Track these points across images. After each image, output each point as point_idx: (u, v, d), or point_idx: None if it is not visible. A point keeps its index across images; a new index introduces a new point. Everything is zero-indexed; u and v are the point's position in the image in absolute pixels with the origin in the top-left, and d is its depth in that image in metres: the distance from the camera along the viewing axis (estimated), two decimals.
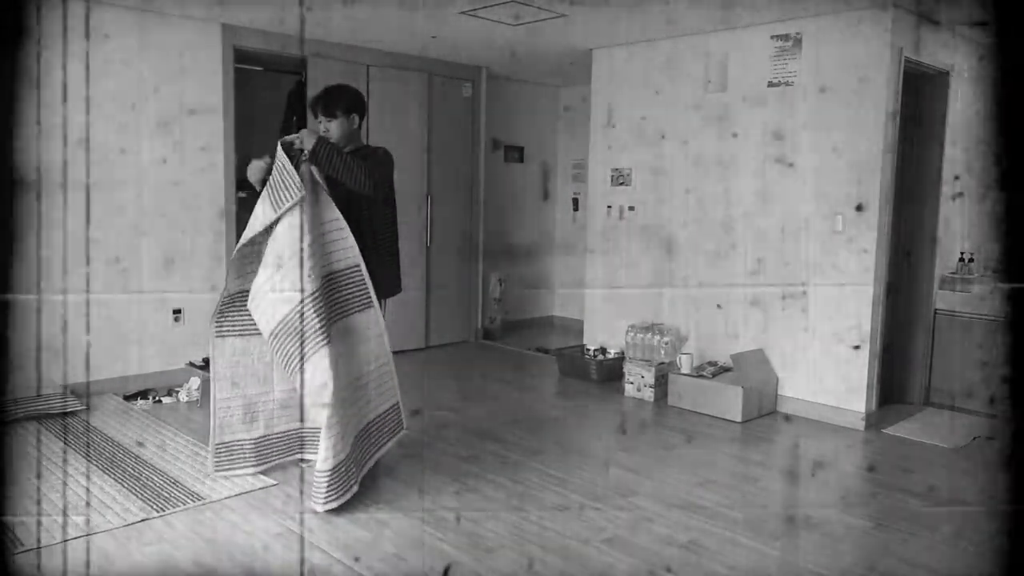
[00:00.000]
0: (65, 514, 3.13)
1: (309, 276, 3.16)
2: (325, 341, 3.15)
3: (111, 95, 4.74)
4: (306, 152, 3.30)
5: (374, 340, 3.43)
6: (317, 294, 3.17)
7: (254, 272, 3.30)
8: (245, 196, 5.55)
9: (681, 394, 4.94)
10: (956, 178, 5.17)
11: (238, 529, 3.08)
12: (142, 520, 3.11)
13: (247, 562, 2.84)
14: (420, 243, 6.41)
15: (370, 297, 3.38)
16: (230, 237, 5.27)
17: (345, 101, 3.54)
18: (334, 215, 3.31)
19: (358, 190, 3.33)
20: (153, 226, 4.95)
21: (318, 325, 3.14)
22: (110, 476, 3.55)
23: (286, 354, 3.20)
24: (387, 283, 3.56)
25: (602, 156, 5.92)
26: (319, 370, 3.13)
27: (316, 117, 3.57)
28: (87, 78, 4.63)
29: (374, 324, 3.42)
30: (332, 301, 3.29)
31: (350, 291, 3.36)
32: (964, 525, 3.31)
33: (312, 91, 5.45)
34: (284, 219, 3.20)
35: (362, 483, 3.40)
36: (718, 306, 5.16)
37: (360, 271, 3.35)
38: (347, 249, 3.33)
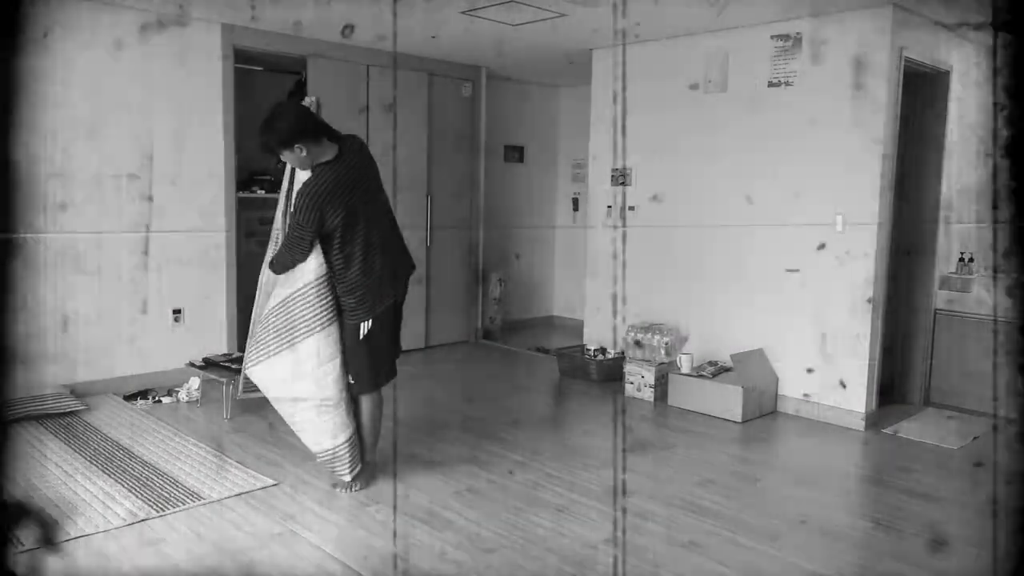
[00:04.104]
0: (65, 514, 3.13)
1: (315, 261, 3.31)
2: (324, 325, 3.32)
3: (111, 94, 4.74)
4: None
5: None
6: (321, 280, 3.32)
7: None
8: (245, 195, 5.57)
9: (681, 394, 4.94)
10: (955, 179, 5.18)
11: (238, 529, 3.09)
12: (142, 520, 3.12)
13: (247, 562, 2.84)
14: (420, 243, 6.41)
15: (333, 315, 3.36)
16: (230, 236, 5.27)
17: (277, 137, 3.14)
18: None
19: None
20: (153, 225, 4.95)
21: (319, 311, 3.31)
22: (110, 476, 3.55)
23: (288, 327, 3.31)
24: (407, 264, 3.53)
25: (602, 156, 5.92)
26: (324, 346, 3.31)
27: None
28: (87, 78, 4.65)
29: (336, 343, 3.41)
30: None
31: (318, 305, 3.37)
32: (964, 525, 3.32)
33: (313, 91, 5.48)
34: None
35: (363, 484, 3.49)
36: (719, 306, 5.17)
37: (325, 284, 3.33)
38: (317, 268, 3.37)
